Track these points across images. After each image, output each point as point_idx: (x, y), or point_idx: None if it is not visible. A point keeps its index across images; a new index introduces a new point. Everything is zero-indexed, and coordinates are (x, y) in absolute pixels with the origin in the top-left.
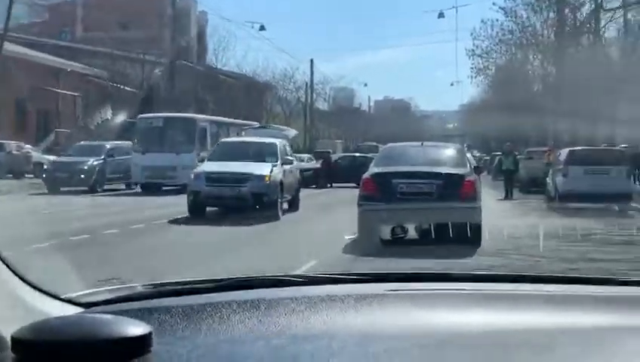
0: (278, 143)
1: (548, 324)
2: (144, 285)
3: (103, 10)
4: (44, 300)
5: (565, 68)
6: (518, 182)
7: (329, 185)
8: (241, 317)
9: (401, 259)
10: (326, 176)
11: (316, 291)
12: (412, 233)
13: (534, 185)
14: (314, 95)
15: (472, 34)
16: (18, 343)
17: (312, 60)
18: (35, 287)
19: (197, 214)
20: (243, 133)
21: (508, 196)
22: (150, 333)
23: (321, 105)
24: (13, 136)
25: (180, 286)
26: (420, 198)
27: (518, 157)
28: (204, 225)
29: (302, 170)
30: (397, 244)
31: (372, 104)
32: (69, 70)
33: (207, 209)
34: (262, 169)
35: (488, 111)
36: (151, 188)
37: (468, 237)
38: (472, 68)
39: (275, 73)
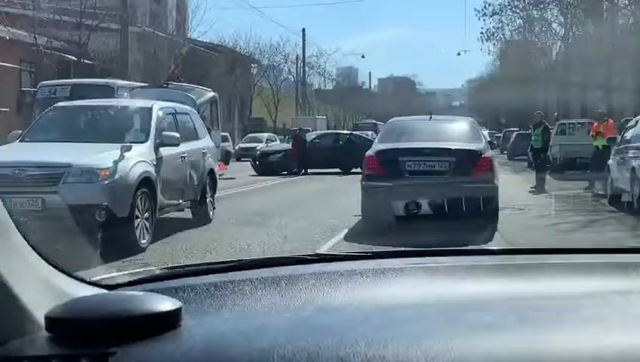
0: (154, 109)
1: (569, 289)
2: (162, 268)
3: None
4: (71, 283)
5: (593, 28)
6: (548, 163)
7: (302, 172)
8: (263, 292)
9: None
10: (299, 159)
11: (334, 267)
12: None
13: (571, 168)
14: (307, 69)
15: None
16: (53, 322)
17: (303, 30)
18: (62, 271)
19: None
20: (125, 95)
21: (541, 185)
22: (180, 308)
23: (317, 80)
24: None
25: (198, 267)
26: (432, 178)
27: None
28: None
29: (266, 153)
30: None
31: (376, 83)
32: (7, 39)
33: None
34: (96, 156)
35: (498, 83)
36: None
37: (485, 221)
38: (481, 32)
39: (261, 44)
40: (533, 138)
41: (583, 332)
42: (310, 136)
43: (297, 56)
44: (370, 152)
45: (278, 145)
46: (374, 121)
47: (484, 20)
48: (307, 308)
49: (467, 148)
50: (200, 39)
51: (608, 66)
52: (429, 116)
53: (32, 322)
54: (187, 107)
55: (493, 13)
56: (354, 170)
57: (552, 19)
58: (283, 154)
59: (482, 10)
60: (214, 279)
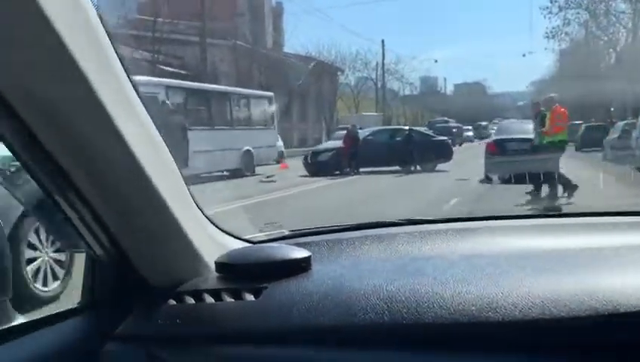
0: None
1: (611, 243)
2: (291, 230)
3: (181, 5)
4: (229, 239)
5: None
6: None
7: (353, 172)
8: (370, 247)
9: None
10: (349, 158)
11: (424, 228)
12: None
13: None
14: (386, 75)
15: None
16: (221, 266)
17: (382, 41)
18: (223, 231)
19: None
20: None
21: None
22: (310, 256)
23: (396, 85)
24: None
25: (318, 229)
26: (522, 154)
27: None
28: None
29: (317, 152)
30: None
31: (452, 88)
32: None
33: None
34: None
35: (560, 81)
36: None
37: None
38: (546, 33)
39: (341, 52)
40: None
41: (624, 275)
42: (364, 133)
43: (377, 63)
44: (489, 140)
45: (330, 143)
46: (446, 119)
47: (549, 18)
48: (404, 258)
49: None
50: (286, 50)
51: None
52: (520, 121)
53: (205, 266)
54: None
55: (560, 9)
56: (414, 169)
57: (619, 12)
58: (334, 153)
59: (548, 7)
60: (331, 237)
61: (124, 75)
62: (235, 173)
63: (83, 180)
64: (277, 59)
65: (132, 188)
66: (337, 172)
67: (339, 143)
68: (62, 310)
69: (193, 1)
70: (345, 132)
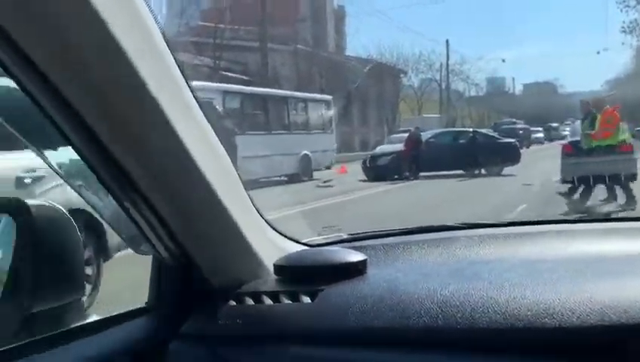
0: None
1: None
2: (349, 234)
3: (243, 12)
4: (287, 242)
5: None
6: None
7: (412, 177)
8: (426, 251)
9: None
10: (412, 161)
11: (482, 232)
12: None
13: None
14: (451, 76)
15: None
16: (279, 268)
17: (447, 41)
18: (281, 234)
19: None
20: None
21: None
22: (366, 260)
23: (461, 86)
24: None
25: (375, 233)
26: (596, 156)
27: None
28: None
29: (376, 156)
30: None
31: (521, 87)
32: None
33: None
34: None
35: (638, 78)
36: None
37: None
38: (623, 27)
39: (404, 54)
40: None
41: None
42: (426, 135)
43: (441, 64)
44: (565, 142)
45: (391, 146)
46: (513, 120)
47: (627, 12)
48: (461, 262)
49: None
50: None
51: None
52: None
53: (264, 269)
54: None
55: (638, 2)
56: (478, 173)
57: None
58: (394, 157)
59: (625, 0)
60: (388, 241)
61: (182, 80)
62: (292, 178)
63: (147, 185)
64: (338, 62)
65: (193, 192)
66: (396, 176)
67: (398, 146)
68: (130, 309)
69: (255, 8)
70: (404, 134)
